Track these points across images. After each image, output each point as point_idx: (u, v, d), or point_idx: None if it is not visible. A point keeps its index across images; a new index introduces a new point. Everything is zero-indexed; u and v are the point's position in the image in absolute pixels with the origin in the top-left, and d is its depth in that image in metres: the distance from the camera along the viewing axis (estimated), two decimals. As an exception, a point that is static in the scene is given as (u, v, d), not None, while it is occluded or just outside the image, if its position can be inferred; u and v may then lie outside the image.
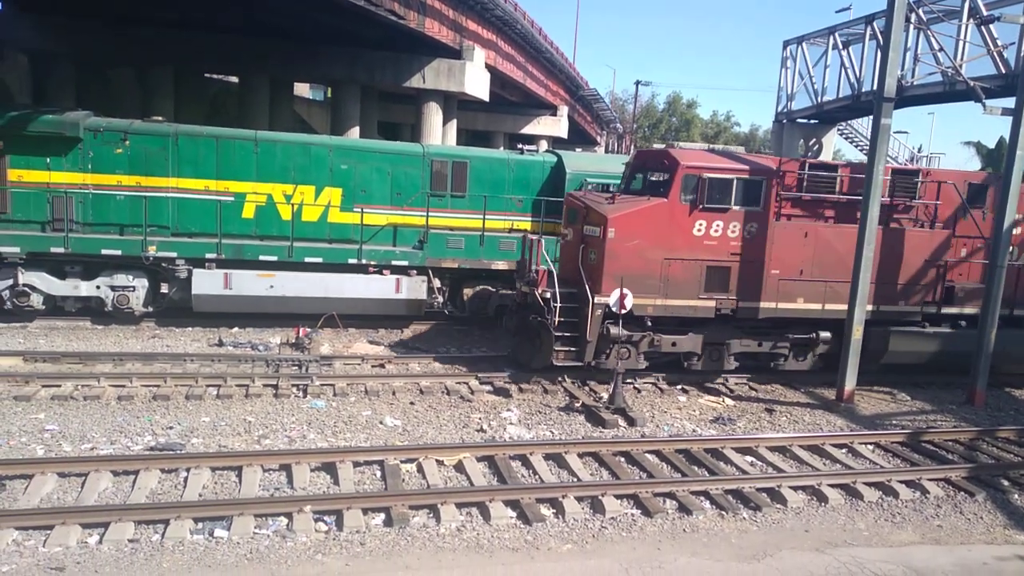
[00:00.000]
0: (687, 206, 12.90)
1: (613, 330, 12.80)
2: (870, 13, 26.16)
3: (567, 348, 12.84)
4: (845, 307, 13.28)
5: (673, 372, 14.13)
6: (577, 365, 13.01)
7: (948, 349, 14.31)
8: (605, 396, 12.63)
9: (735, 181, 13.01)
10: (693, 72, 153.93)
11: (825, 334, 13.97)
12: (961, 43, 18.70)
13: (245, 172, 15.86)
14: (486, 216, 16.68)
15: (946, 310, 14.42)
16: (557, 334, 12.70)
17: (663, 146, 16.00)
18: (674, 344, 13.46)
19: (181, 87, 30.61)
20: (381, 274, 16.29)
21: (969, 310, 14.46)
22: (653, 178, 13.42)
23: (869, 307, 13.44)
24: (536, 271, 13.40)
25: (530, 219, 17.23)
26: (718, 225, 13.07)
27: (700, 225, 13.00)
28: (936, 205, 14.24)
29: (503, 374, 13.59)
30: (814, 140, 34.31)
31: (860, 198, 13.34)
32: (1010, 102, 13.94)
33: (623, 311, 12.44)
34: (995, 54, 18.28)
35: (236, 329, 15.96)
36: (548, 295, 12.68)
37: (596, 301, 12.63)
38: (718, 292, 13.23)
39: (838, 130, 35.59)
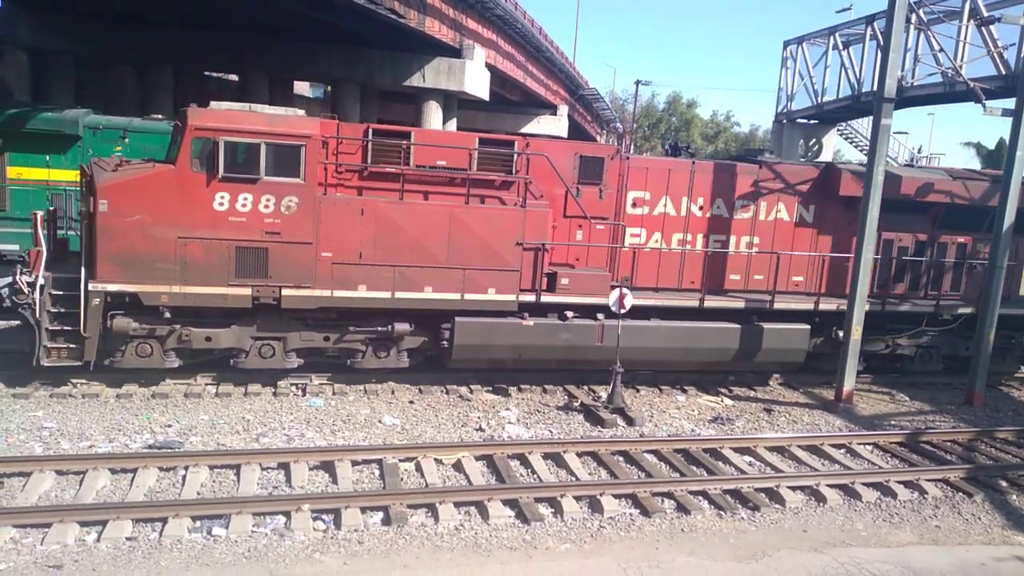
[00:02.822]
0: (203, 175, 10.79)
1: (118, 323, 10.99)
2: (871, 13, 26.18)
3: (66, 345, 10.89)
4: (420, 295, 11.86)
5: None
6: (75, 365, 11.05)
7: (547, 343, 12.63)
8: (604, 395, 12.63)
9: (263, 146, 10.93)
10: (693, 72, 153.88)
11: (403, 326, 12.15)
12: (961, 44, 18.69)
13: None
14: None
15: (548, 299, 12.57)
16: (50, 328, 10.78)
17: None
18: (209, 339, 11.51)
19: (181, 85, 30.59)
20: None
21: (577, 299, 12.63)
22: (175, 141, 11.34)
23: (444, 295, 11.96)
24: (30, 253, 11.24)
25: None
26: (246, 199, 10.98)
27: (222, 198, 10.89)
28: (527, 180, 12.37)
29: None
30: (814, 140, 34.33)
31: (438, 170, 12.02)
32: (1010, 103, 13.99)
33: (623, 311, 12.39)
34: (995, 55, 18.28)
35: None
36: (30, 281, 10.65)
37: (92, 288, 10.66)
38: (255, 278, 11.19)
39: (838, 130, 35.60)
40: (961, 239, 15.07)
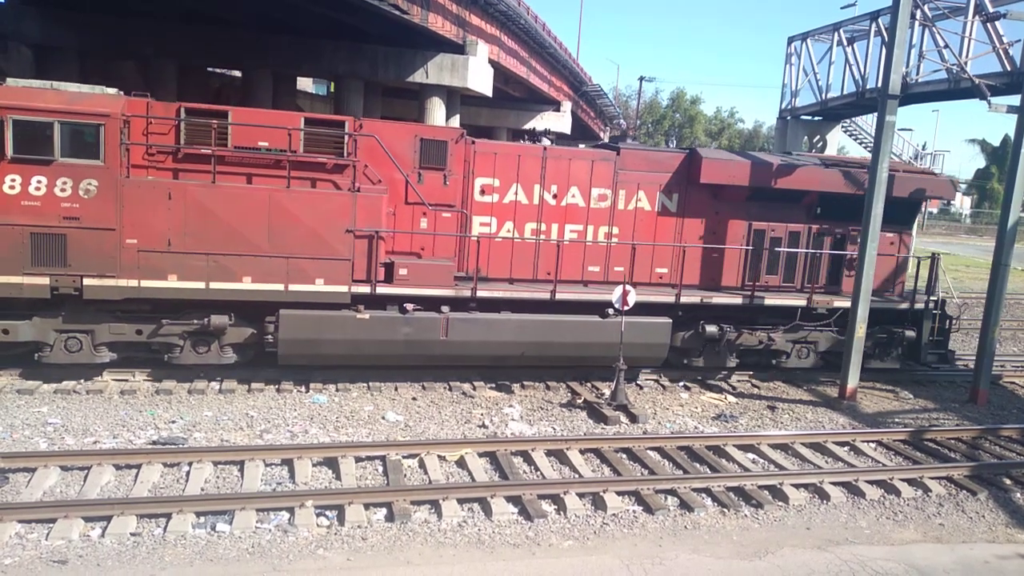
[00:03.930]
0: None
1: None
2: (875, 10, 26.08)
3: None
4: (239, 286, 11.21)
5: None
6: None
7: (386, 339, 11.92)
8: (607, 392, 12.62)
9: (57, 126, 10.30)
10: (697, 68, 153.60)
11: (221, 319, 11.44)
12: (966, 40, 18.58)
13: None
14: None
15: (385, 290, 11.91)
16: None
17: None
18: (6, 332, 10.81)
19: (184, 81, 30.59)
20: None
21: (417, 291, 12.00)
22: None
23: (265, 286, 11.29)
24: None
25: None
26: (40, 181, 10.35)
27: (13, 181, 10.27)
28: (355, 163, 11.62)
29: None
30: (818, 137, 34.26)
31: (257, 151, 11.30)
32: (1015, 100, 13.94)
33: (626, 307, 12.36)
34: (1000, 51, 18.17)
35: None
36: None
37: None
38: (53, 267, 10.54)
39: (842, 127, 35.50)
40: (839, 230, 14.54)
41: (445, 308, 12.15)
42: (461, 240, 12.78)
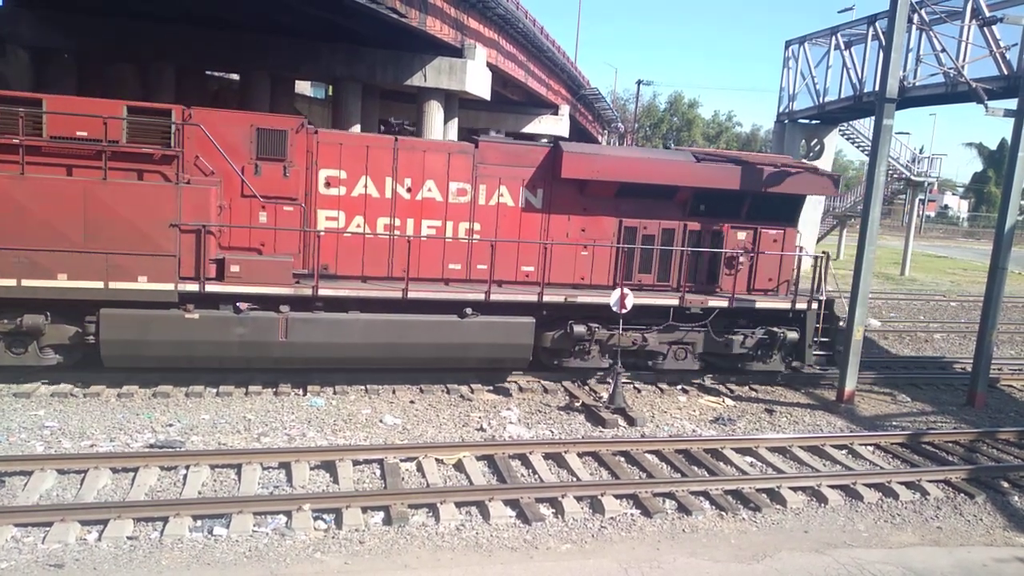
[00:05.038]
0: None
1: None
2: (872, 14, 26.22)
3: None
4: (53, 283, 10.57)
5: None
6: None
7: (219, 339, 11.28)
8: (605, 396, 12.62)
9: None
10: (695, 72, 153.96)
11: (35, 319, 10.82)
12: (963, 44, 18.66)
13: None
14: None
15: (215, 288, 11.22)
16: None
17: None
18: None
19: (182, 84, 30.58)
20: None
21: (251, 288, 11.34)
22: None
23: (82, 283, 10.62)
24: None
25: None
26: None
27: None
28: (179, 154, 10.97)
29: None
30: (816, 140, 34.35)
31: (73, 141, 10.65)
32: (1012, 103, 13.98)
33: (624, 311, 12.35)
34: (997, 55, 18.26)
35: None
36: None
37: None
38: None
39: (840, 131, 35.61)
40: (716, 227, 13.89)
41: (284, 307, 11.51)
42: (306, 235, 12.01)
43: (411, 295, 12.03)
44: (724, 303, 13.46)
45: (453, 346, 12.36)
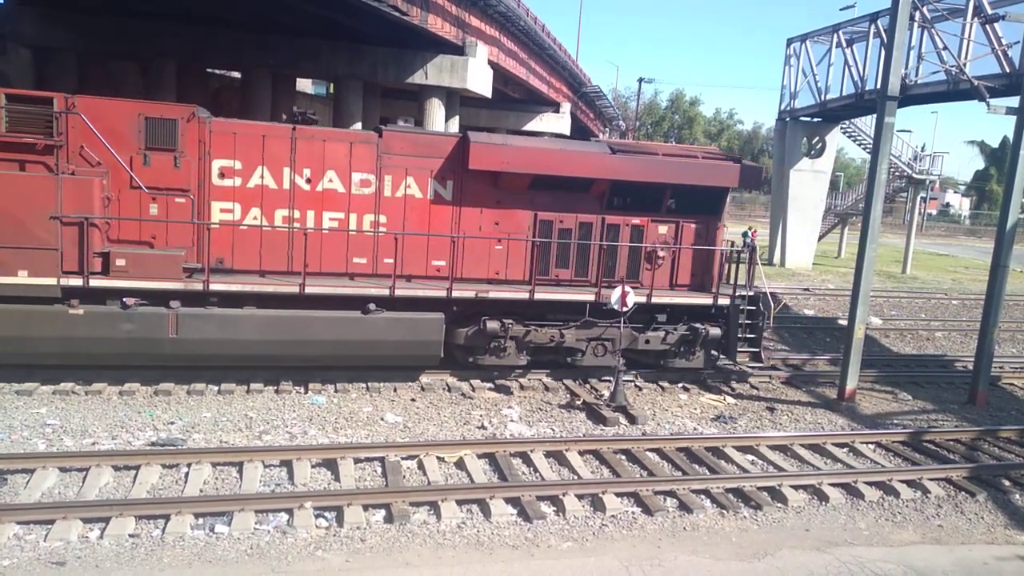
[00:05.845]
0: None
1: None
2: (874, 11, 26.21)
3: None
4: None
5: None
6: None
7: (105, 336, 10.92)
8: (606, 394, 12.62)
9: None
10: (696, 70, 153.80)
11: None
12: (965, 42, 18.64)
13: None
14: None
15: (100, 283, 10.86)
16: None
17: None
18: None
19: (183, 81, 30.59)
20: None
21: (137, 283, 10.97)
22: None
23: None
24: None
25: None
26: None
27: None
28: (58, 144, 10.69)
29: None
30: (817, 138, 34.33)
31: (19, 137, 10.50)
32: (1014, 101, 13.94)
33: (625, 308, 12.33)
34: (999, 53, 18.23)
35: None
36: None
37: None
38: None
39: (841, 128, 35.57)
40: (636, 220, 13.46)
41: (175, 303, 11.17)
42: (199, 228, 11.61)
43: (309, 290, 11.62)
44: (642, 299, 12.96)
45: (357, 343, 11.98)
